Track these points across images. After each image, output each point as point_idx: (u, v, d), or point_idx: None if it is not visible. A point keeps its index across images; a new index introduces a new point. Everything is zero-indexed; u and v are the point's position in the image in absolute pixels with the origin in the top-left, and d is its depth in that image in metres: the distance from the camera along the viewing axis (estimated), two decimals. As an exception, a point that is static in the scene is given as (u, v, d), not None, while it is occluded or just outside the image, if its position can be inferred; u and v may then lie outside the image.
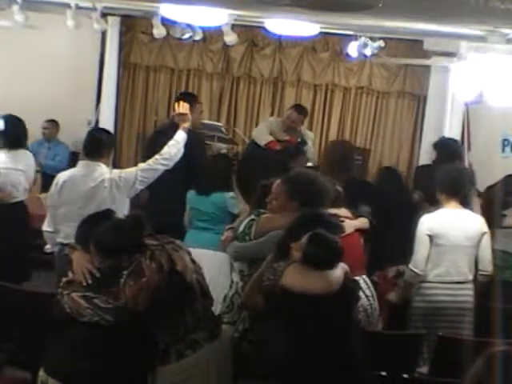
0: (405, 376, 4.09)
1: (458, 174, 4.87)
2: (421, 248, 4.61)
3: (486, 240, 4.71)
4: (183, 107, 5.17)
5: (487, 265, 4.71)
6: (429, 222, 4.64)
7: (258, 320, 3.63)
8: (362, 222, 4.59)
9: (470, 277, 4.69)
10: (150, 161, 4.87)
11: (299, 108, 7.32)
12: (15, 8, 6.49)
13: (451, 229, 4.62)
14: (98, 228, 3.23)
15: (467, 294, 4.66)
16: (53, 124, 8.47)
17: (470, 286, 4.68)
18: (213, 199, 5.49)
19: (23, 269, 5.50)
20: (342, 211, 4.56)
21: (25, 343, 3.93)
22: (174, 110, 5.39)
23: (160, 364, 3.24)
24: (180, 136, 4.98)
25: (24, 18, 6.60)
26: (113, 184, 4.67)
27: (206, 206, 5.48)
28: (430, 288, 4.63)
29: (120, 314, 3.08)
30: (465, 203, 4.76)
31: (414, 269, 4.59)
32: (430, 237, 4.60)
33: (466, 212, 4.71)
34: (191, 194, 5.54)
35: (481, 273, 4.72)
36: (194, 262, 3.33)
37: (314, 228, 3.33)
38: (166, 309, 3.17)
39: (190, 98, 6.14)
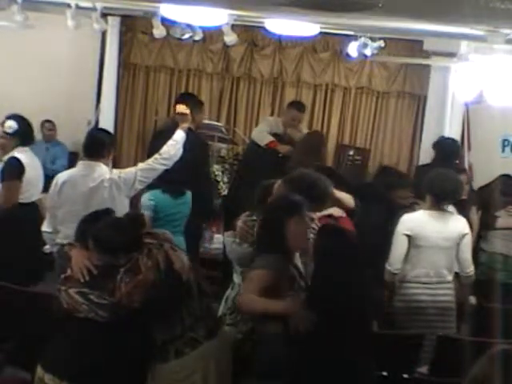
0: (405, 376, 4.09)
1: (447, 181, 4.86)
2: (397, 247, 4.65)
3: (467, 241, 4.73)
4: (184, 106, 5.17)
5: (467, 266, 4.74)
6: (408, 223, 4.67)
7: (260, 320, 3.63)
8: (349, 199, 4.56)
9: (449, 277, 4.73)
10: (150, 160, 4.89)
11: (299, 105, 7.30)
12: (15, 8, 6.48)
13: (430, 230, 4.65)
14: (96, 225, 3.26)
15: (446, 294, 4.70)
16: (52, 125, 8.48)
17: (449, 285, 4.72)
18: (186, 199, 5.46)
19: (37, 268, 5.47)
20: (336, 211, 4.58)
21: (25, 343, 3.93)
22: (174, 111, 5.40)
23: (159, 362, 3.26)
24: (179, 136, 5.00)
25: (24, 17, 6.59)
26: (112, 184, 4.68)
27: (180, 207, 5.42)
28: (409, 288, 4.67)
29: (114, 310, 3.11)
30: (460, 209, 4.78)
31: (388, 267, 4.64)
32: (409, 237, 4.63)
33: (447, 213, 4.73)
34: (161, 198, 5.34)
35: (462, 274, 4.75)
36: (191, 260, 3.35)
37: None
38: (161, 306, 3.19)
39: (194, 100, 6.15)
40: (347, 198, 4.56)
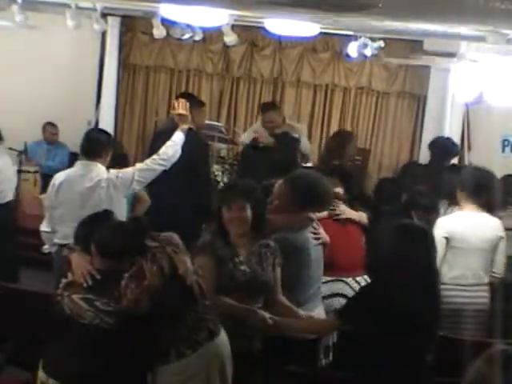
0: (405, 376, 4.08)
1: (483, 177, 4.82)
2: (437, 250, 4.60)
3: (503, 244, 4.71)
4: (183, 106, 5.16)
5: (501, 267, 4.73)
6: (446, 225, 4.63)
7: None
8: (361, 216, 4.61)
9: (486, 279, 4.70)
10: (148, 161, 4.88)
11: (264, 107, 7.33)
12: (15, 8, 6.48)
13: (468, 231, 4.62)
14: (99, 229, 3.23)
15: (483, 296, 4.67)
16: (55, 128, 8.45)
17: (486, 288, 4.69)
18: None
19: (14, 269, 5.51)
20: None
21: (25, 343, 3.93)
22: (173, 108, 5.37)
23: (160, 364, 3.24)
24: (178, 137, 4.99)
25: (24, 18, 6.59)
26: (110, 184, 4.67)
27: None
28: (446, 290, 4.60)
29: (121, 317, 3.08)
30: (490, 208, 4.73)
31: None
32: (447, 239, 4.59)
33: (483, 215, 4.69)
34: None
35: (494, 275, 4.73)
36: (192, 261, 3.33)
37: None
38: (166, 311, 3.17)
39: (196, 100, 6.15)
40: (361, 217, 4.59)
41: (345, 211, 4.55)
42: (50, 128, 8.44)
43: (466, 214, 4.67)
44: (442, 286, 4.61)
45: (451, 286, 4.63)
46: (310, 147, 7.72)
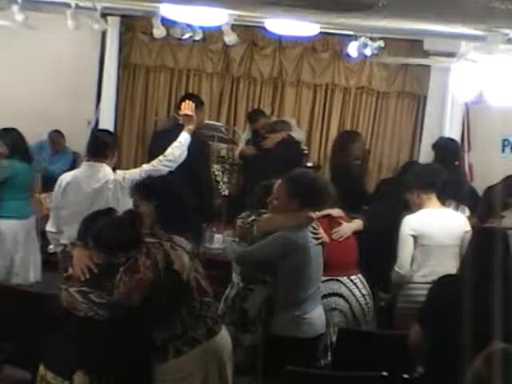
0: (405, 376, 4.09)
1: (430, 169, 4.85)
2: (405, 248, 4.59)
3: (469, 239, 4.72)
4: (189, 108, 5.15)
5: None
6: (412, 223, 4.62)
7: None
8: (358, 224, 4.63)
9: None
10: (154, 162, 4.88)
11: (252, 117, 7.72)
12: (15, 8, 6.47)
13: (435, 229, 4.61)
14: (96, 224, 3.27)
15: None
16: (60, 135, 8.37)
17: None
18: (32, 166, 5.81)
19: None
20: (336, 211, 4.59)
21: (25, 343, 3.93)
22: (179, 109, 5.37)
23: (158, 361, 3.26)
24: (184, 137, 4.99)
25: (24, 18, 6.58)
26: (117, 185, 4.67)
27: (29, 174, 5.73)
28: (415, 289, 4.60)
29: (113, 310, 3.12)
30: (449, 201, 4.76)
31: (398, 270, 4.58)
32: (414, 237, 4.58)
33: (449, 211, 4.71)
34: (13, 163, 5.58)
35: None
36: (192, 259, 3.34)
37: None
38: (160, 306, 3.19)
39: (196, 99, 6.16)
40: (357, 225, 4.61)
41: (345, 232, 4.56)
42: (56, 137, 8.30)
43: (430, 211, 4.66)
44: (412, 285, 4.62)
45: (420, 285, 4.59)
46: (306, 141, 8.10)
